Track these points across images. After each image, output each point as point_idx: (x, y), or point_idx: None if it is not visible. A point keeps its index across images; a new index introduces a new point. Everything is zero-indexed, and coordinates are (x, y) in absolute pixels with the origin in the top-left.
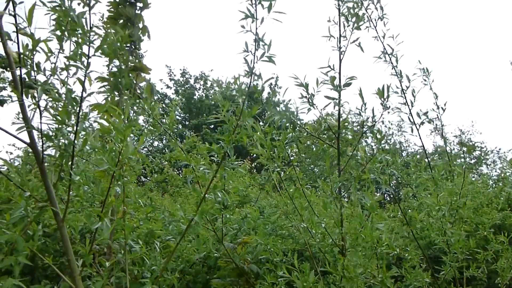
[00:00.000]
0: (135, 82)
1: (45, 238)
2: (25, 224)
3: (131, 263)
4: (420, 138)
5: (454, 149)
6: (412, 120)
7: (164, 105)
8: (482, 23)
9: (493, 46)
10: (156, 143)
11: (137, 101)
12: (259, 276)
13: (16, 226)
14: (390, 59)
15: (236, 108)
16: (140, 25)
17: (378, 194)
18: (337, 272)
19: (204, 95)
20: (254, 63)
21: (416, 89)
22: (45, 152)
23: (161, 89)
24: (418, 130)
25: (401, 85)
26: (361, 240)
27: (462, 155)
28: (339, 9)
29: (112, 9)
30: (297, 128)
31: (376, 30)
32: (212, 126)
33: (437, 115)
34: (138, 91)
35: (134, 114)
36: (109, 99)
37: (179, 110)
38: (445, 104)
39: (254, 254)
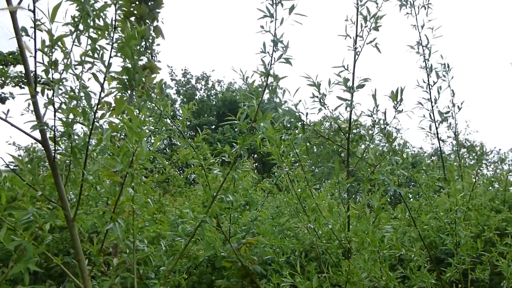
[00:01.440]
0: (144, 81)
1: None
2: (34, 229)
3: (136, 263)
4: (437, 136)
5: (454, 150)
6: (432, 118)
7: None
8: (481, 23)
9: (493, 46)
10: (157, 143)
11: (147, 99)
12: (265, 276)
13: (23, 227)
14: (424, 51)
15: (250, 111)
16: (154, 24)
17: (385, 196)
18: (340, 276)
19: (205, 95)
20: (271, 64)
21: (443, 86)
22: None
23: None
24: (437, 128)
25: (428, 80)
26: (367, 244)
27: (471, 157)
28: (357, 8)
29: (124, 8)
30: (306, 128)
31: (416, 18)
32: (214, 126)
33: (451, 113)
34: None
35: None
36: (117, 97)
37: (177, 108)
38: (461, 103)
39: (259, 254)
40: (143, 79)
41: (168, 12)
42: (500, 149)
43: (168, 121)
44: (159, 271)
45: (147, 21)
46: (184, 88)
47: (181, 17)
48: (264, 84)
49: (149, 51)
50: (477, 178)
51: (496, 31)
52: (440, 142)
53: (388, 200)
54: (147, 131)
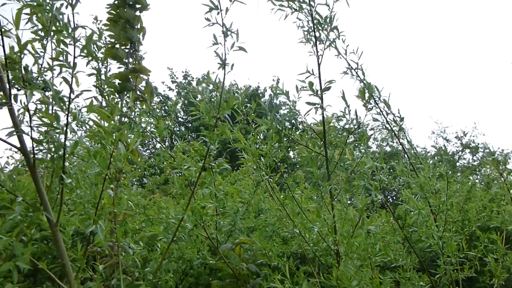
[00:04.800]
0: (135, 83)
1: (46, 240)
2: (21, 229)
3: (132, 266)
4: (400, 143)
5: (456, 150)
6: (390, 128)
7: (166, 107)
8: (484, 21)
9: (497, 45)
10: (158, 145)
11: (136, 103)
12: (259, 276)
13: (12, 230)
14: (357, 73)
15: (214, 103)
16: (138, 27)
17: (376, 198)
18: (331, 283)
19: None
20: (225, 54)
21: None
22: (36, 156)
23: (164, 91)
24: (397, 136)
25: (379, 94)
26: (355, 248)
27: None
28: (311, 14)
29: (111, 11)
30: (285, 136)
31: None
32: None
33: (395, 121)
34: (138, 93)
35: (133, 116)
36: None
37: (179, 111)
38: (399, 111)
39: (252, 254)
40: (134, 82)
41: (170, 15)
42: (503, 150)
43: (152, 127)
44: (149, 272)
45: (133, 24)
46: (185, 90)
47: (183, 19)
48: (222, 74)
49: (137, 53)
50: (448, 178)
51: (501, 30)
52: (403, 147)
53: (389, 201)
54: (136, 131)
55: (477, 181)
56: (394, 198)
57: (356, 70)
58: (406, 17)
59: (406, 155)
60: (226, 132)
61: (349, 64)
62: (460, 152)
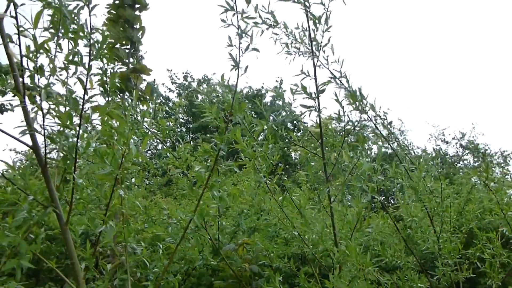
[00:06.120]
0: (135, 83)
1: (50, 240)
2: (28, 227)
3: (134, 266)
4: (391, 147)
5: (456, 152)
6: (380, 133)
7: (167, 108)
8: (486, 21)
9: (498, 45)
10: (160, 146)
11: (137, 103)
12: (261, 277)
13: (19, 228)
14: (340, 81)
15: (225, 106)
16: (138, 26)
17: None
18: None
19: (207, 98)
20: (239, 56)
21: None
22: (48, 155)
23: (164, 92)
24: (388, 141)
25: (363, 99)
26: (349, 256)
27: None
28: (307, 14)
29: (111, 11)
30: (282, 137)
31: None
32: (215, 128)
33: (384, 125)
34: (139, 93)
35: (136, 116)
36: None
37: (181, 112)
38: (385, 114)
39: (254, 255)
40: (134, 82)
41: (171, 15)
42: (505, 151)
43: (155, 128)
44: (156, 273)
45: (133, 24)
46: (186, 92)
47: (183, 20)
48: (236, 76)
49: (137, 53)
50: (441, 179)
51: (502, 30)
52: (395, 150)
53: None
54: (141, 133)
55: (478, 182)
56: (395, 199)
57: (340, 79)
58: (404, 18)
59: (400, 158)
60: (237, 135)
61: (332, 73)
62: (461, 154)
